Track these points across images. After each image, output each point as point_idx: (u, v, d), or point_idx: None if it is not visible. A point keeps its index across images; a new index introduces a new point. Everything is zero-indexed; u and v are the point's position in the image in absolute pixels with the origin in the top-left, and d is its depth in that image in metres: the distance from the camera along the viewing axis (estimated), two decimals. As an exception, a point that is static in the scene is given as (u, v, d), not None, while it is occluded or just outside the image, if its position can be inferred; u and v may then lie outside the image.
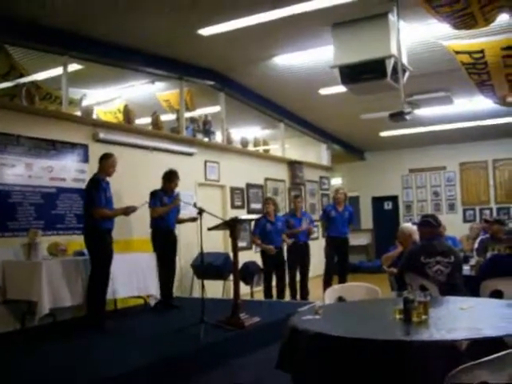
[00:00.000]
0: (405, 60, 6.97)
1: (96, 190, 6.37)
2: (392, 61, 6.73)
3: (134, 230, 8.11)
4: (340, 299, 4.61)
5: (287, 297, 9.08)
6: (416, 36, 7.69)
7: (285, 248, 9.20)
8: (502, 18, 6.26)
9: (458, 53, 7.11)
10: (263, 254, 8.93)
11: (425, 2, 5.10)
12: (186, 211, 8.06)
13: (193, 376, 4.98)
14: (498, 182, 15.33)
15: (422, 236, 5.30)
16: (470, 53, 7.01)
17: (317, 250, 11.09)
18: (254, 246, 10.98)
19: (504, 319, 3.17)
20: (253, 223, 10.29)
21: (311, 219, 9.91)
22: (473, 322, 3.17)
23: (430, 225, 5.16)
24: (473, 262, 6.53)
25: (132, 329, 6.50)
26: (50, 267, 6.21)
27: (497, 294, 4.62)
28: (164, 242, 7.53)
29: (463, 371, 2.26)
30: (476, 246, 7.41)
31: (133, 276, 7.17)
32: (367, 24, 6.88)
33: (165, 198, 7.57)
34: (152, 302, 7.51)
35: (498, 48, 6.79)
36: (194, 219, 7.48)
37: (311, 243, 9.68)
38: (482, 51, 6.88)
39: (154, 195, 7.54)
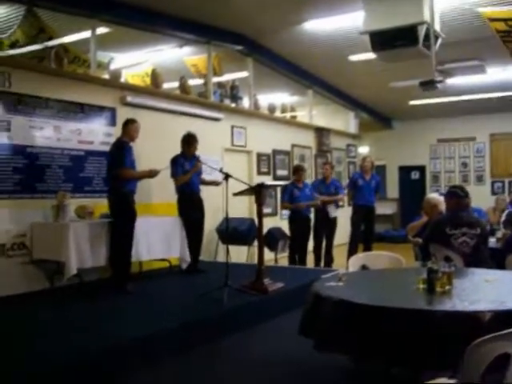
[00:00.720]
0: (437, 27, 6.80)
1: (122, 151, 6.42)
2: (424, 27, 6.57)
3: (156, 194, 8.16)
4: (364, 267, 4.62)
5: (310, 264, 9.11)
6: (449, 2, 7.50)
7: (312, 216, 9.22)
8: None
9: (492, 20, 6.93)
10: (290, 220, 8.93)
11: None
12: (212, 176, 8.08)
13: (216, 339, 5.05)
14: (528, 154, 15.04)
15: (449, 207, 5.24)
16: (505, 20, 6.83)
17: (343, 218, 11.06)
18: (279, 213, 11.03)
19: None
20: (279, 190, 10.32)
21: (339, 186, 9.80)
22: (497, 295, 3.16)
23: (456, 195, 5.09)
24: (499, 234, 6.46)
25: (156, 292, 6.60)
26: (77, 229, 6.32)
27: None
28: (190, 206, 7.56)
29: (485, 342, 2.25)
30: (503, 218, 7.33)
31: (156, 239, 7.25)
32: (400, -11, 6.72)
33: (186, 164, 7.53)
34: (184, 266, 7.59)
35: (535, 15, 6.61)
36: (216, 183, 7.49)
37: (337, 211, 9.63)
38: (517, 18, 6.70)
39: (174, 162, 7.50)
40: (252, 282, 6.19)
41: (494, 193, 14.84)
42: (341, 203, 10.47)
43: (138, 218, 6.56)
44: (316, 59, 10.78)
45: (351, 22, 8.25)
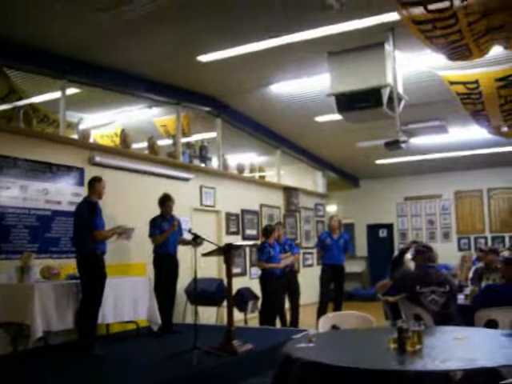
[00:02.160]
0: (400, 89, 7.04)
1: (94, 213, 6.36)
2: (388, 90, 6.80)
3: (125, 254, 8.07)
4: (334, 327, 4.58)
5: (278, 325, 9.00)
6: (411, 66, 7.78)
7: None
8: (497, 49, 6.34)
9: (452, 83, 7.19)
10: (265, 280, 8.81)
11: (420, 32, 5.17)
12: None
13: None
14: (492, 211, 15.35)
15: (417, 264, 5.28)
16: (464, 83, 7.10)
17: (312, 277, 11.05)
18: (248, 272, 10.97)
19: (499, 349, 3.16)
20: (247, 249, 10.30)
21: (292, 246, 9.75)
22: (467, 352, 3.15)
23: (420, 251, 5.20)
24: (467, 291, 6.51)
25: (123, 354, 6.43)
26: (43, 290, 6.17)
27: (492, 324, 4.60)
28: (165, 266, 7.52)
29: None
30: (470, 275, 7.40)
31: (124, 301, 7.12)
32: (363, 53, 6.95)
33: (164, 224, 7.57)
34: (154, 328, 7.45)
35: (493, 79, 6.88)
36: (187, 242, 7.46)
37: (306, 270, 9.62)
38: (476, 82, 6.96)
39: (152, 223, 7.58)
40: (221, 344, 6.08)
41: (460, 249, 15.04)
42: (308, 261, 10.44)
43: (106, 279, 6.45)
44: (283, 120, 10.99)
45: (317, 83, 8.48)
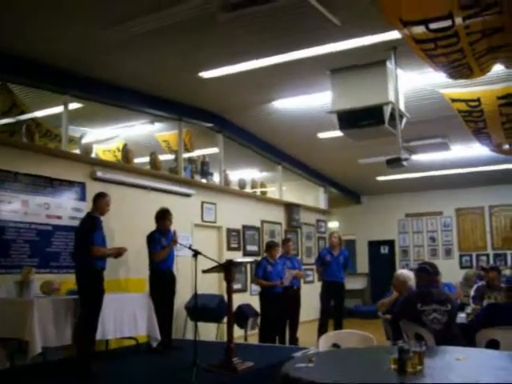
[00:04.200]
0: (402, 107, 7.06)
1: (95, 228, 6.34)
2: (389, 107, 6.82)
3: (123, 270, 8.04)
4: (334, 345, 4.55)
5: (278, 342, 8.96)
6: (413, 83, 7.80)
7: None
8: (498, 67, 6.37)
9: (454, 101, 7.21)
10: (263, 296, 8.80)
11: (421, 51, 5.18)
12: (180, 252, 8.04)
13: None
14: (494, 228, 15.32)
15: (419, 282, 5.26)
16: (466, 101, 7.11)
17: (312, 294, 11.00)
18: (249, 288, 10.93)
19: (500, 371, 3.13)
20: (248, 265, 10.27)
21: (299, 262, 9.87)
22: (469, 374, 3.12)
23: (427, 272, 5.12)
24: (469, 309, 6.48)
25: (122, 371, 6.39)
26: (42, 306, 6.14)
27: (493, 344, 4.56)
28: (164, 283, 7.49)
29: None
30: (472, 293, 7.36)
31: (123, 317, 7.09)
32: (365, 71, 6.99)
33: (163, 240, 7.53)
34: (154, 344, 7.40)
35: (495, 97, 6.89)
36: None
37: (307, 287, 9.59)
38: (478, 99, 6.98)
39: (152, 239, 7.51)
40: (221, 361, 6.04)
41: (462, 266, 15.00)
42: (308, 278, 10.38)
43: (105, 295, 6.42)
44: (285, 136, 11.02)
45: (320, 100, 8.50)
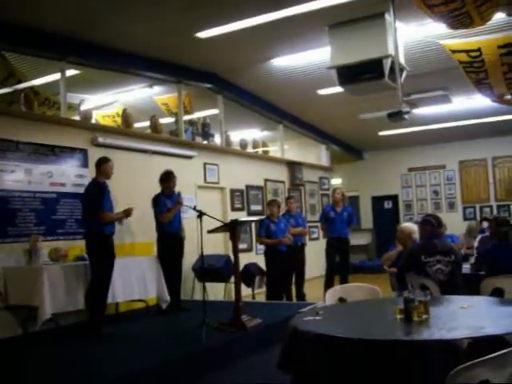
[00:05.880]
0: (402, 60, 6.97)
1: (102, 194, 6.36)
2: (389, 61, 6.74)
3: (131, 234, 8.10)
4: (341, 300, 4.61)
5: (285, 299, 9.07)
6: (413, 35, 7.70)
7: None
8: (499, 16, 6.28)
9: (454, 51, 7.12)
10: (267, 255, 8.89)
11: (420, 1, 5.10)
12: (186, 214, 8.08)
13: (195, 379, 4.98)
14: (497, 180, 15.32)
15: (423, 235, 5.30)
16: (466, 51, 7.02)
17: (318, 250, 11.09)
18: (255, 248, 11.01)
19: (505, 317, 3.17)
20: (253, 225, 10.33)
21: (304, 220, 9.92)
22: (473, 321, 3.17)
23: (430, 224, 5.15)
24: (473, 260, 6.53)
25: (133, 333, 6.50)
26: (51, 272, 6.23)
27: (498, 292, 4.62)
28: (171, 246, 7.55)
29: (464, 370, 2.25)
30: (476, 244, 7.41)
31: (133, 280, 7.18)
32: (364, 24, 6.89)
33: (168, 202, 7.55)
34: (163, 305, 7.51)
35: (495, 46, 6.80)
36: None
37: (312, 244, 9.66)
38: (478, 49, 6.89)
39: (157, 202, 7.53)
40: (230, 320, 6.14)
41: (466, 218, 15.05)
42: (314, 235, 10.44)
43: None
44: (285, 94, 10.93)
45: (319, 56, 8.41)
